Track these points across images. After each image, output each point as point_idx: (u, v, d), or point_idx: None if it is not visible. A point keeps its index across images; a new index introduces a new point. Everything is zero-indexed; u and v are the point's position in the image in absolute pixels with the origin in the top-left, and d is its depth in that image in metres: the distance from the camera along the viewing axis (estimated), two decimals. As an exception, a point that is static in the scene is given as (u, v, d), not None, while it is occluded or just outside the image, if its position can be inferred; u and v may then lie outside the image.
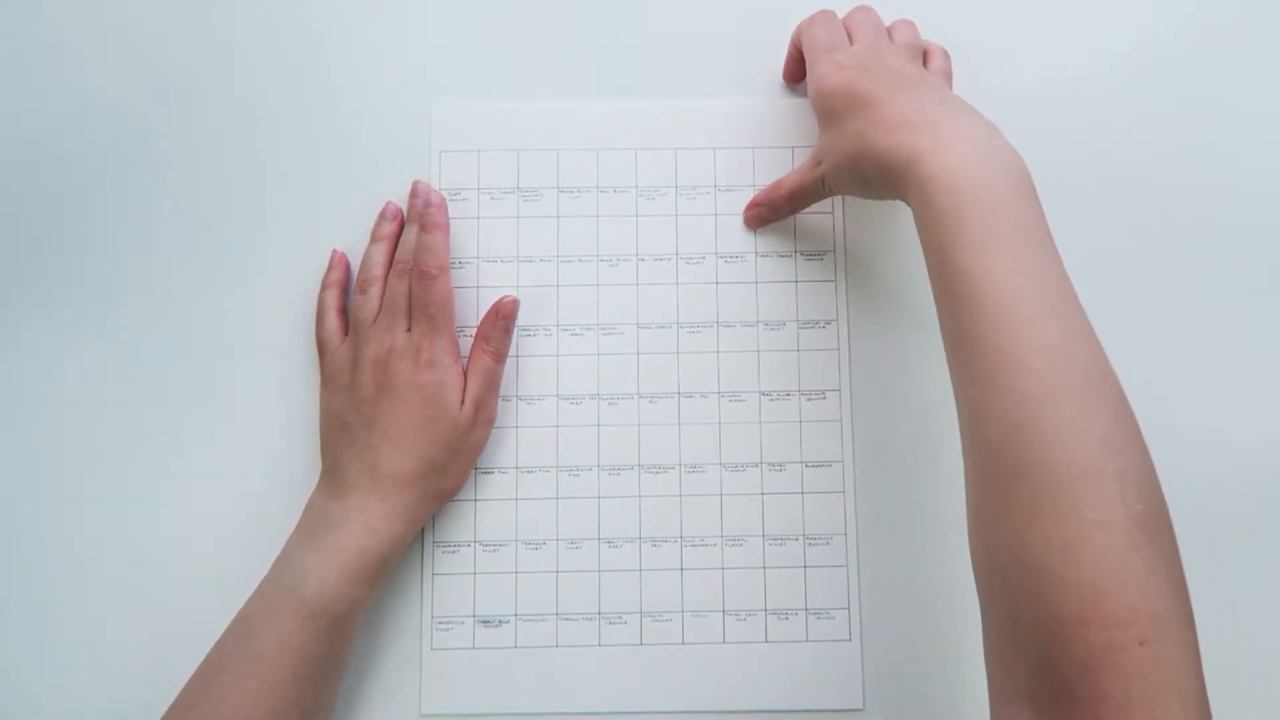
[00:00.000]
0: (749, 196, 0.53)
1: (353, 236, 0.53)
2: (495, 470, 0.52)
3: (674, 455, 0.52)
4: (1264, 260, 0.54)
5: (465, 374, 0.49)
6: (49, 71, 0.55)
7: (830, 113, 0.47)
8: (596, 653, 0.50)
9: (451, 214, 0.53)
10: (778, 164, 0.53)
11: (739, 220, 0.53)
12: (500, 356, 0.50)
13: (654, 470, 0.52)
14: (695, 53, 0.55)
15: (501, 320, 0.50)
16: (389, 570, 0.48)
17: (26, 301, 0.54)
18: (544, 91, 0.54)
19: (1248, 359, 0.53)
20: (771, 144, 0.53)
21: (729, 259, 0.53)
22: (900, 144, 0.42)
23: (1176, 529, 0.36)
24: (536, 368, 0.52)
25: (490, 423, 0.51)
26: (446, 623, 0.50)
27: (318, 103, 0.55)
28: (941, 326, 0.41)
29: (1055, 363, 0.36)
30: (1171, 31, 0.56)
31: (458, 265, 0.53)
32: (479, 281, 0.53)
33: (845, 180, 0.47)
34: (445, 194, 0.53)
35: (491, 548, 0.51)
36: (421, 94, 0.54)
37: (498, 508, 0.51)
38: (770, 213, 0.52)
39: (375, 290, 0.50)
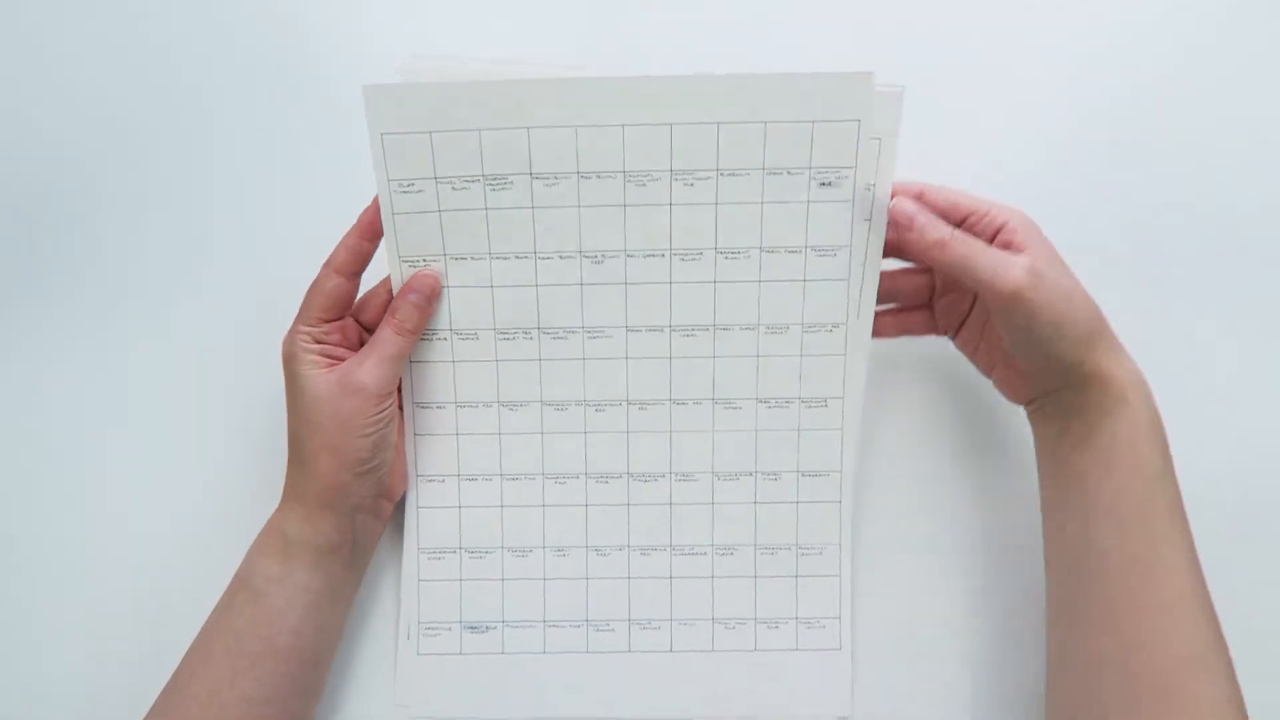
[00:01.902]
0: (757, 181, 0.46)
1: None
2: (479, 477, 0.49)
3: (664, 463, 0.49)
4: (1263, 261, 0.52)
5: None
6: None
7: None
8: (584, 659, 0.50)
9: (408, 208, 0.46)
10: (793, 141, 0.45)
11: (741, 210, 0.46)
12: (402, 330, 0.46)
13: (643, 479, 0.49)
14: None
15: (412, 295, 0.46)
16: (303, 553, 0.45)
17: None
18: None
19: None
20: (787, 118, 0.45)
21: (730, 255, 0.47)
22: (1115, 365, 0.43)
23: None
24: (519, 373, 0.48)
25: (362, 392, 0.44)
26: (434, 628, 0.50)
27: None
28: (1100, 544, 0.42)
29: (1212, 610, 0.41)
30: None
31: (420, 263, 0.47)
32: (449, 280, 0.47)
33: (1020, 327, 0.43)
34: (397, 185, 0.46)
35: (477, 554, 0.50)
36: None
37: (483, 514, 0.50)
38: (908, 238, 0.45)
39: None
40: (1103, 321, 0.44)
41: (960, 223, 0.45)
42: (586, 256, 0.47)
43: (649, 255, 0.47)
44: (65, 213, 0.53)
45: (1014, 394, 0.47)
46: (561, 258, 0.47)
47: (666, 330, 0.48)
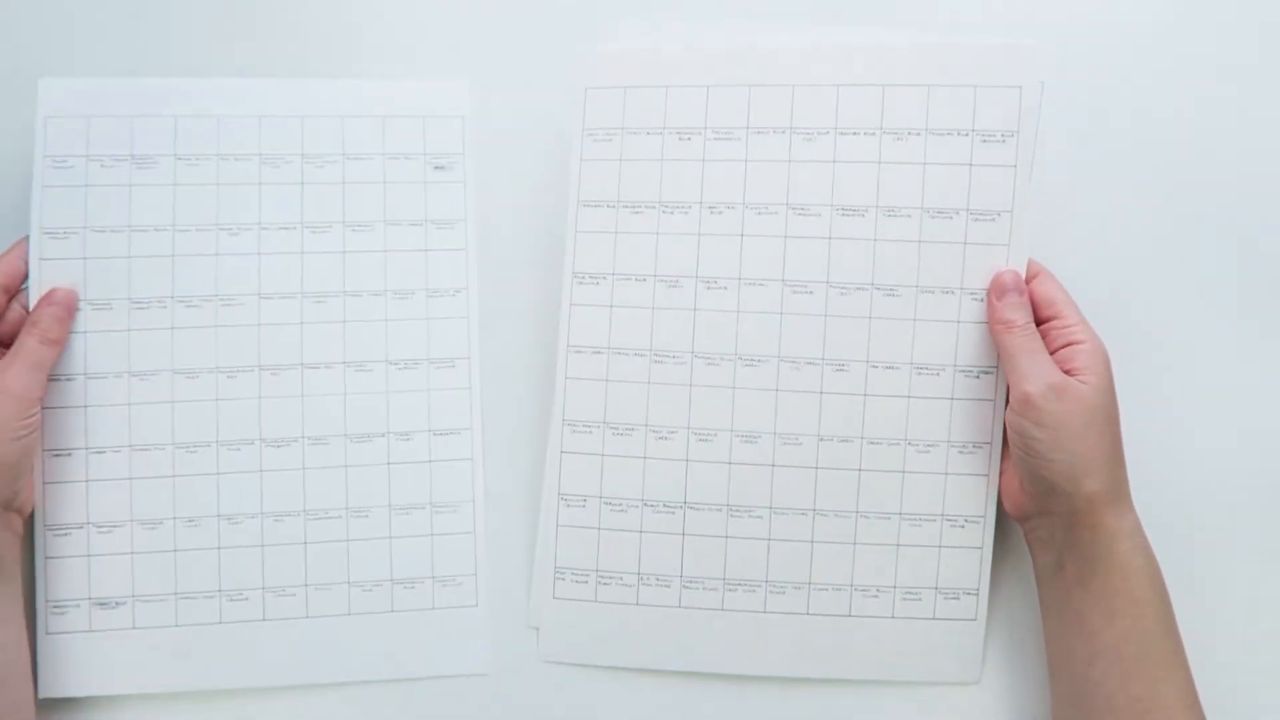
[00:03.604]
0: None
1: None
2: (108, 450, 0.50)
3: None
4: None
5: None
6: None
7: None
8: (217, 630, 0.50)
9: (59, 181, 0.50)
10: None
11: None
12: (46, 340, 0.48)
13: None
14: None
15: (54, 307, 0.49)
16: None
17: None
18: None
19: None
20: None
21: (373, 227, 0.51)
22: (1112, 516, 0.44)
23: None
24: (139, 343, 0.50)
25: (11, 397, 0.46)
26: (61, 606, 0.49)
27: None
28: (1104, 686, 0.43)
29: None
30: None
31: (60, 235, 0.50)
32: (86, 252, 0.50)
33: (1021, 434, 0.45)
34: (49, 161, 0.50)
35: (105, 529, 0.50)
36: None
37: (113, 488, 0.50)
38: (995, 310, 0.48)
39: None
40: (1115, 469, 0.44)
41: (1045, 321, 0.47)
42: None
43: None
44: None
45: (1010, 506, 0.48)
46: (199, 231, 0.50)
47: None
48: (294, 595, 0.50)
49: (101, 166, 0.50)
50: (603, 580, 0.50)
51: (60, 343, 0.49)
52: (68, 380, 0.50)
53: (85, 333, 0.50)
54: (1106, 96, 0.53)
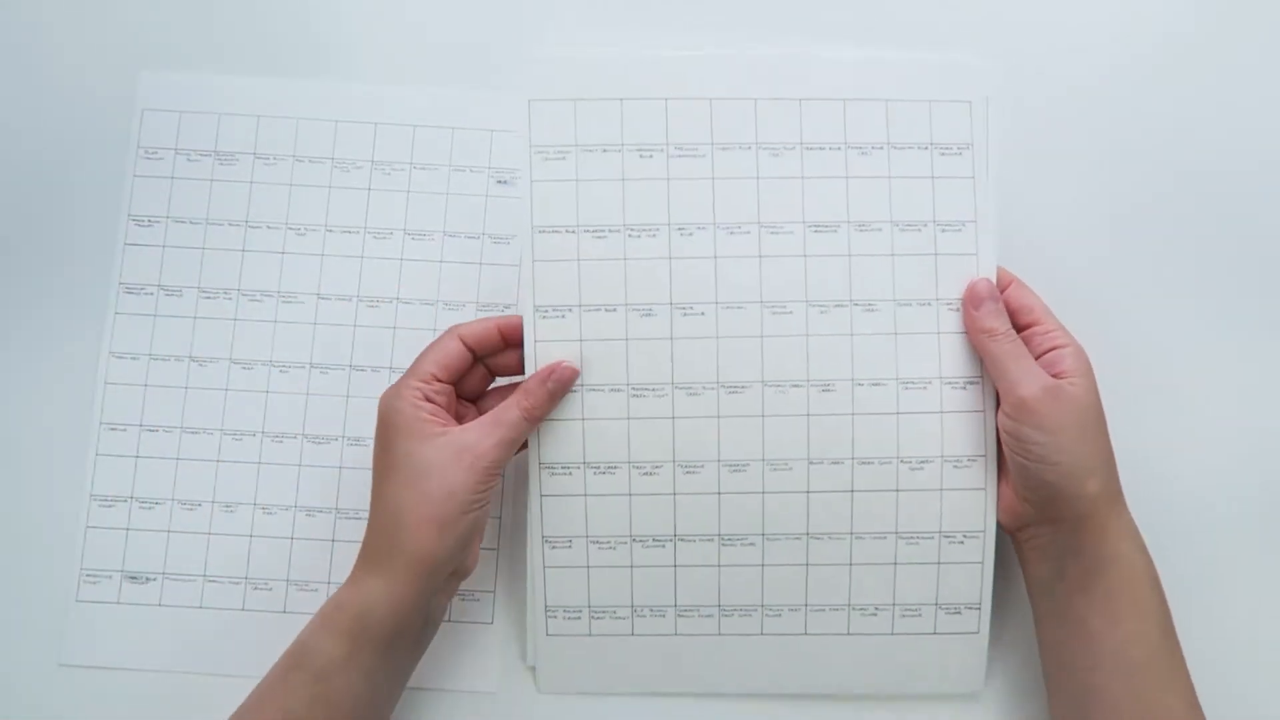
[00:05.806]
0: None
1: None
2: (160, 428, 0.52)
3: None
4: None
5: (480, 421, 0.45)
6: None
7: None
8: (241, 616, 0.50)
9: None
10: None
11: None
12: (532, 417, 0.45)
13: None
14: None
15: (552, 383, 0.46)
16: (376, 634, 0.42)
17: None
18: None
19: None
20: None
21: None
22: (1112, 515, 0.44)
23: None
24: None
25: (479, 465, 0.43)
26: (94, 575, 0.51)
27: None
28: (1108, 693, 0.43)
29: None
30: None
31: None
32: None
33: (1019, 439, 0.44)
34: (142, 151, 0.53)
35: (147, 505, 0.51)
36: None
37: (159, 466, 0.52)
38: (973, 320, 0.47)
39: None
40: (1111, 469, 0.44)
41: (1024, 328, 0.46)
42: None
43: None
44: None
45: (1006, 518, 0.47)
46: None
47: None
48: (315, 591, 0.51)
49: (188, 160, 0.53)
50: (595, 615, 0.48)
51: (540, 421, 0.47)
52: (132, 359, 0.52)
53: (155, 316, 0.52)
54: (1062, 107, 0.54)
